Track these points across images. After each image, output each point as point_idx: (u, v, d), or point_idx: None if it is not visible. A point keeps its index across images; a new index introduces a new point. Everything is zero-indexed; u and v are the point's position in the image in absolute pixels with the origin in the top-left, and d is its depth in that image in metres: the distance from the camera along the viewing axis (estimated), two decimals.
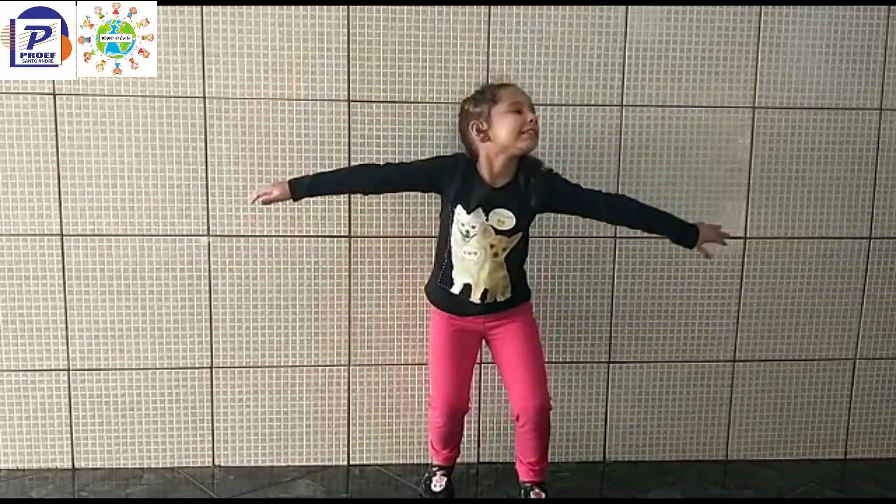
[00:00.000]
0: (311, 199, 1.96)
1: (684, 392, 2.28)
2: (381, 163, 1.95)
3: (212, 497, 2.06)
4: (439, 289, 1.94)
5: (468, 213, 1.85)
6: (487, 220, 1.85)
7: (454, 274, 1.90)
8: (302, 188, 1.87)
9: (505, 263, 1.88)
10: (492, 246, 1.86)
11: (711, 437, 2.31)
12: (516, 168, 1.87)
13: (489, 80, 2.00)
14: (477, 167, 1.87)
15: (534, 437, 1.93)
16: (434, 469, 2.08)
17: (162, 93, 2.02)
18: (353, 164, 2.07)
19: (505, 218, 1.85)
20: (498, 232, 1.86)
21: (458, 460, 2.10)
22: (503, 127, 1.82)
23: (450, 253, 1.90)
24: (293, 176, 1.92)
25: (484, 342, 2.00)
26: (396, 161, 1.99)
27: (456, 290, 1.91)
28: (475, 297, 1.89)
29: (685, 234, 1.94)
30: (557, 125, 2.11)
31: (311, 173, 1.91)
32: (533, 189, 1.85)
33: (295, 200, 1.89)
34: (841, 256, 2.25)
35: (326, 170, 1.99)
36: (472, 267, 1.88)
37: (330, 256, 2.13)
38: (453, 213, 1.87)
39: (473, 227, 1.85)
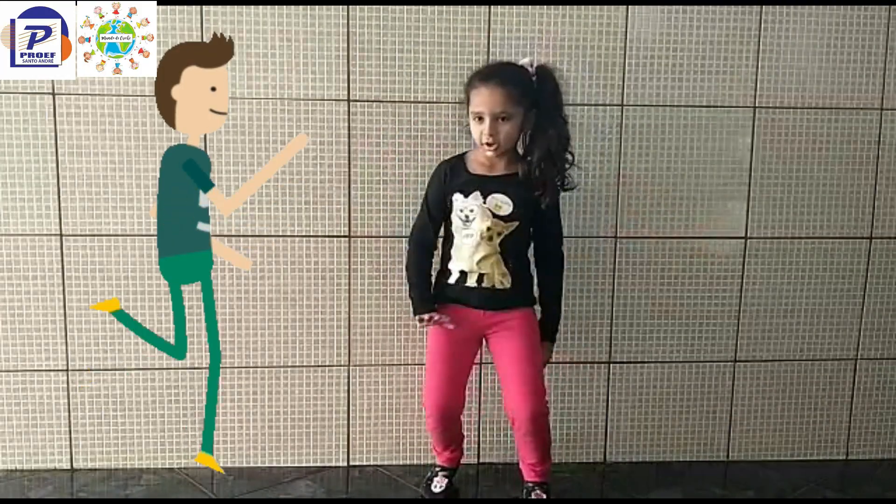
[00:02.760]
0: (313, 199, 2.03)
1: (685, 392, 2.27)
2: (415, 232, 1.96)
3: (211, 498, 2.05)
4: (439, 284, 1.95)
5: (465, 196, 1.86)
6: (485, 202, 1.85)
7: (451, 264, 1.91)
8: (427, 302, 1.92)
9: (499, 249, 1.87)
10: (488, 229, 1.85)
11: (712, 438, 2.30)
12: (516, 160, 1.88)
13: (479, 67, 1.94)
14: (465, 158, 1.91)
15: (530, 442, 1.92)
16: (436, 469, 2.07)
17: None
18: (352, 164, 2.08)
19: (502, 203, 1.85)
20: (495, 216, 1.86)
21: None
22: (472, 129, 1.86)
23: (451, 246, 1.91)
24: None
25: (484, 343, 1.99)
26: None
27: (452, 279, 1.90)
28: (471, 281, 1.88)
29: (546, 325, 1.97)
30: None
31: (414, 295, 1.94)
32: (533, 182, 1.84)
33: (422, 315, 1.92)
34: (841, 256, 2.24)
35: (418, 283, 1.94)
36: (466, 252, 1.87)
37: (330, 256, 2.12)
38: (452, 202, 1.88)
39: (472, 211, 1.86)
